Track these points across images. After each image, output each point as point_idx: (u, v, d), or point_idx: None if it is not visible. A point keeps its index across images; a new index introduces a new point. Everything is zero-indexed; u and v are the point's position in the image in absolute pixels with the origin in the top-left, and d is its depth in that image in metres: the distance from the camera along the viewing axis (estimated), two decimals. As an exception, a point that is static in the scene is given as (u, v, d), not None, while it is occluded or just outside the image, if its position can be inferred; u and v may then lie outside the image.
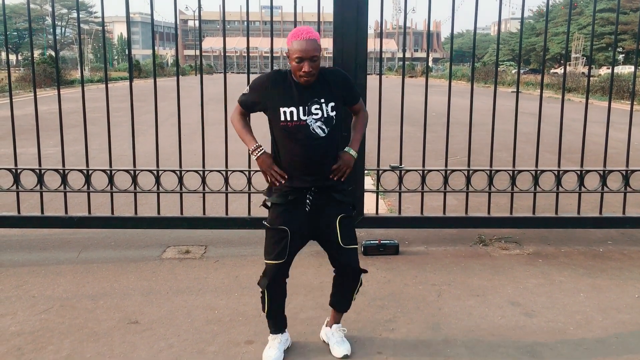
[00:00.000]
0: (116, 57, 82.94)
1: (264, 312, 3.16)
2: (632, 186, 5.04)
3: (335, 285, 3.26)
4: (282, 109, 2.94)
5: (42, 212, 4.92)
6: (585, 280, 4.34)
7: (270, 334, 3.24)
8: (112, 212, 4.94)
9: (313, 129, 2.93)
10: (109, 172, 4.89)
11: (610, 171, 4.98)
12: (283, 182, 2.96)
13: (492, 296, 4.04)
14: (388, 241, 4.82)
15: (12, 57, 65.17)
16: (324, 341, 3.35)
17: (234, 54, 75.26)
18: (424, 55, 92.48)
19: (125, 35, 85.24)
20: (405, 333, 3.50)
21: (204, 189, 4.91)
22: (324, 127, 2.95)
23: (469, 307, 3.86)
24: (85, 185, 4.90)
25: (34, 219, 4.95)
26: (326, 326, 3.38)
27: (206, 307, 3.83)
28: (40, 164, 4.89)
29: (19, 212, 4.92)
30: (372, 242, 4.80)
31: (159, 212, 4.94)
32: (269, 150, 3.06)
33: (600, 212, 5.02)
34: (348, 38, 4.64)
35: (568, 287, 4.21)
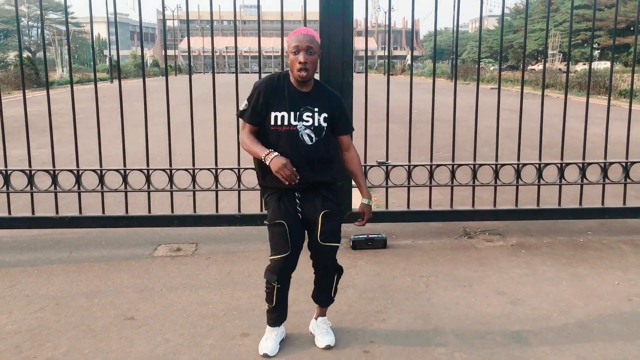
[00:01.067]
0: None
1: (271, 305, 3.22)
2: (610, 178, 5.21)
3: (314, 280, 3.35)
4: (273, 113, 2.99)
5: (33, 212, 4.95)
6: (567, 269, 4.49)
7: (268, 327, 3.32)
8: (103, 212, 4.99)
9: (302, 136, 3.00)
10: (99, 171, 4.94)
11: (590, 163, 5.15)
12: (297, 180, 2.97)
13: (479, 286, 4.16)
14: (376, 235, 4.93)
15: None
16: (311, 333, 3.45)
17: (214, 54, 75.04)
18: (402, 53, 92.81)
19: (102, 36, 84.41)
20: (395, 323, 3.60)
21: (194, 187, 4.98)
22: (312, 135, 3.02)
23: (457, 297, 3.98)
24: (76, 186, 4.94)
25: (24, 219, 4.97)
26: (314, 318, 3.48)
27: (200, 302, 3.90)
28: (30, 165, 4.92)
29: (9, 213, 4.94)
30: (360, 236, 4.91)
31: (149, 211, 5.00)
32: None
33: (580, 204, 5.18)
34: (334, 36, 4.72)
35: (551, 276, 4.35)
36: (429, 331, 3.50)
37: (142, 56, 4.63)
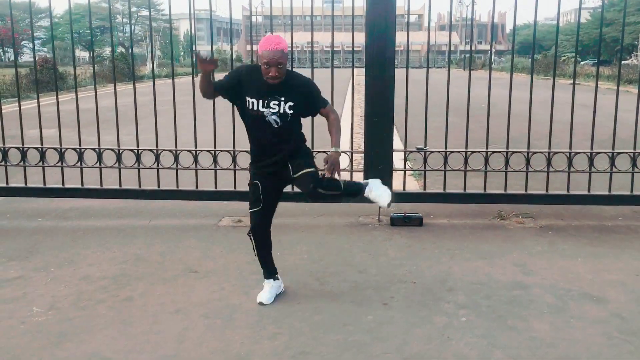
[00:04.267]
0: (182, 53, 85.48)
1: (255, 256, 3.95)
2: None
3: None
4: (247, 98, 3.64)
5: (120, 185, 5.83)
6: (587, 248, 4.87)
7: (265, 279, 4.02)
8: (177, 186, 5.78)
9: (268, 120, 3.62)
10: (174, 152, 5.75)
11: (619, 153, 5.45)
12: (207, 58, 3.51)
13: (498, 259, 4.64)
14: (413, 214, 5.47)
15: (86, 54, 68.42)
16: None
17: (295, 49, 76.19)
18: (487, 47, 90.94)
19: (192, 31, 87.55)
20: (415, 285, 4.16)
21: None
22: (278, 120, 3.62)
23: (476, 267, 4.48)
24: (155, 163, 5.78)
25: (113, 191, 5.85)
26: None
27: (253, 262, 4.50)
28: (118, 145, 5.80)
29: (101, 185, 5.84)
30: (398, 214, 5.47)
31: (216, 187, 5.75)
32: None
33: (610, 190, 5.49)
34: (378, 32, 5.28)
35: (569, 253, 4.75)
36: (443, 291, 4.05)
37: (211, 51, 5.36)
